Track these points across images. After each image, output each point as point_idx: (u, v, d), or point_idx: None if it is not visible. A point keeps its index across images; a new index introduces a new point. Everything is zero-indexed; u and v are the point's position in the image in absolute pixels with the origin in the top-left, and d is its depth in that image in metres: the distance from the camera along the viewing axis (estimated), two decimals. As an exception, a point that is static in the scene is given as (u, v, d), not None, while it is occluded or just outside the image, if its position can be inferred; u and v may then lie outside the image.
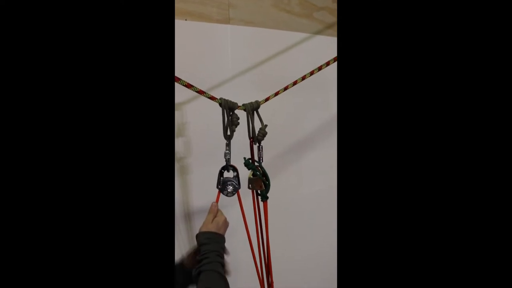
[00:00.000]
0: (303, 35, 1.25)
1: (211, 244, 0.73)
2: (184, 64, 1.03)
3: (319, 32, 1.30)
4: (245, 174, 0.85)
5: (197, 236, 0.77)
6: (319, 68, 0.98)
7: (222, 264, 0.72)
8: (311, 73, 0.97)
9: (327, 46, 1.26)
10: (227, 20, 1.10)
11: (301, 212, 1.27)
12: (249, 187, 0.85)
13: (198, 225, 1.05)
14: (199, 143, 1.04)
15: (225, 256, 0.76)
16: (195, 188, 1.05)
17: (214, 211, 0.81)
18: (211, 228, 0.77)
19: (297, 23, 1.24)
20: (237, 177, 0.82)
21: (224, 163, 0.82)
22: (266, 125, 0.84)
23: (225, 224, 0.81)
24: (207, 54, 1.08)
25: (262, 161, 0.85)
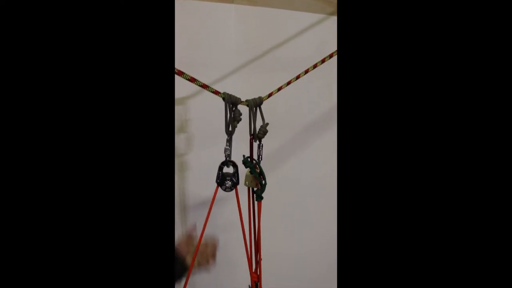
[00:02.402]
0: (308, 15, 1.21)
1: None
2: (187, 46, 1.00)
3: (325, 12, 1.25)
4: (244, 169, 0.86)
5: None
6: (323, 61, 0.97)
7: None
8: (314, 66, 0.95)
9: (334, 26, 1.23)
10: (231, 0, 1.05)
11: (300, 204, 1.28)
12: (245, 184, 0.86)
13: (192, 219, 1.07)
14: (201, 138, 1.03)
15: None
16: (194, 183, 1.05)
17: None
18: None
19: (302, 3, 1.19)
20: (236, 173, 0.83)
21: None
22: (267, 123, 0.83)
23: None
24: (210, 35, 1.04)
25: (262, 159, 0.85)
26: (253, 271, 0.95)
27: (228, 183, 0.82)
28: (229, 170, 0.83)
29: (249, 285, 0.96)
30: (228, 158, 0.81)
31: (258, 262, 0.95)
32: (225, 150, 0.80)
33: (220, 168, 0.82)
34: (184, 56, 0.98)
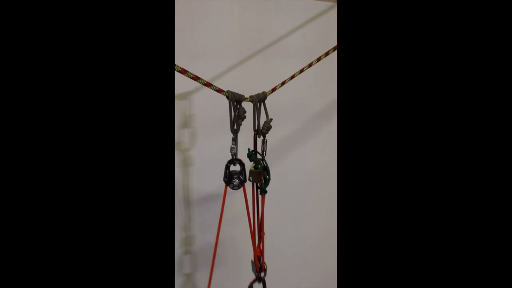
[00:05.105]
0: (314, 3, 1.18)
1: None
2: (191, 37, 0.98)
3: (331, 0, 1.23)
4: (248, 163, 0.87)
5: None
6: (326, 54, 0.96)
7: None
8: (318, 59, 0.95)
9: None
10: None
11: (302, 196, 1.29)
12: (249, 179, 0.87)
13: (197, 214, 1.07)
14: (205, 133, 1.04)
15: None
16: (198, 178, 1.06)
17: None
18: None
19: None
20: (243, 170, 0.85)
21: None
22: (271, 119, 0.83)
23: None
24: (214, 26, 1.02)
25: (266, 155, 0.86)
26: (256, 246, 0.96)
27: (236, 181, 0.84)
28: (235, 168, 0.84)
29: (251, 260, 0.98)
30: (234, 157, 0.82)
31: (261, 237, 0.96)
32: (231, 148, 0.82)
33: (227, 167, 0.84)
34: (188, 47, 0.97)
